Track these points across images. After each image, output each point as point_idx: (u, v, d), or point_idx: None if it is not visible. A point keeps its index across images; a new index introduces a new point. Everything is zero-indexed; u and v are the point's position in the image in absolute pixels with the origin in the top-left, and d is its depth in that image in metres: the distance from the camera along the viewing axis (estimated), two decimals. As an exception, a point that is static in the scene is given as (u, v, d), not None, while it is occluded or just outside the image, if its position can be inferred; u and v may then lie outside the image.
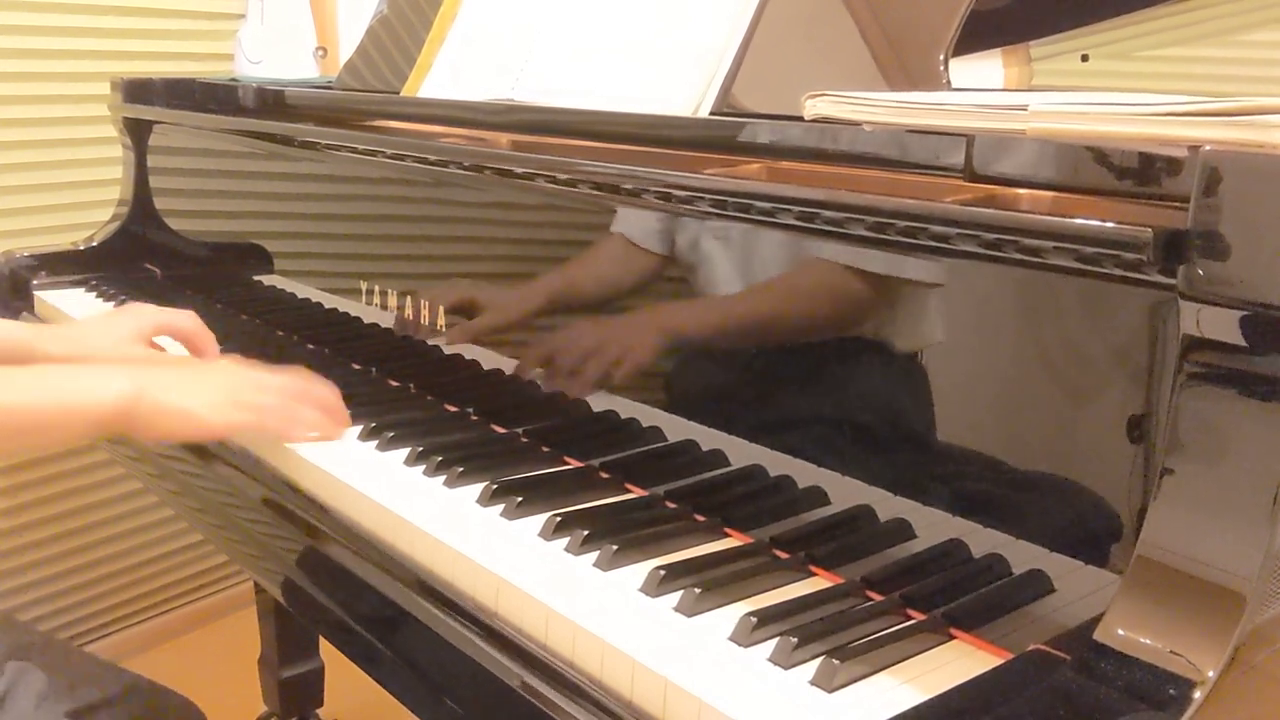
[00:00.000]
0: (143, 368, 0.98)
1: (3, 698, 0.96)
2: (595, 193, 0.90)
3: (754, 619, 0.67)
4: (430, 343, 1.10)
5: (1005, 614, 0.67)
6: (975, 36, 0.90)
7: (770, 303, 0.82)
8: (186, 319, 1.16)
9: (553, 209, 0.98)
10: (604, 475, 0.91)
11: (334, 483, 0.92)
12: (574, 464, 0.94)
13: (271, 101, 1.34)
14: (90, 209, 1.80)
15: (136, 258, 1.61)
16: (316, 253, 1.32)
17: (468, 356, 1.06)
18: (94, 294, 1.50)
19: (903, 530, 0.73)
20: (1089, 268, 0.61)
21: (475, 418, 1.05)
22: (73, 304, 1.46)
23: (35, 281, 1.53)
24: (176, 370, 0.99)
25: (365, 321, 1.19)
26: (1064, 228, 0.61)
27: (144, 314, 1.16)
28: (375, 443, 0.98)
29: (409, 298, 1.11)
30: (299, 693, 1.65)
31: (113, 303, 1.46)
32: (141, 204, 1.60)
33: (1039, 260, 0.63)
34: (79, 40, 1.82)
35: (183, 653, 2.06)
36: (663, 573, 0.73)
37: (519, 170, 0.96)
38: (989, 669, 0.62)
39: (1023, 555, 0.68)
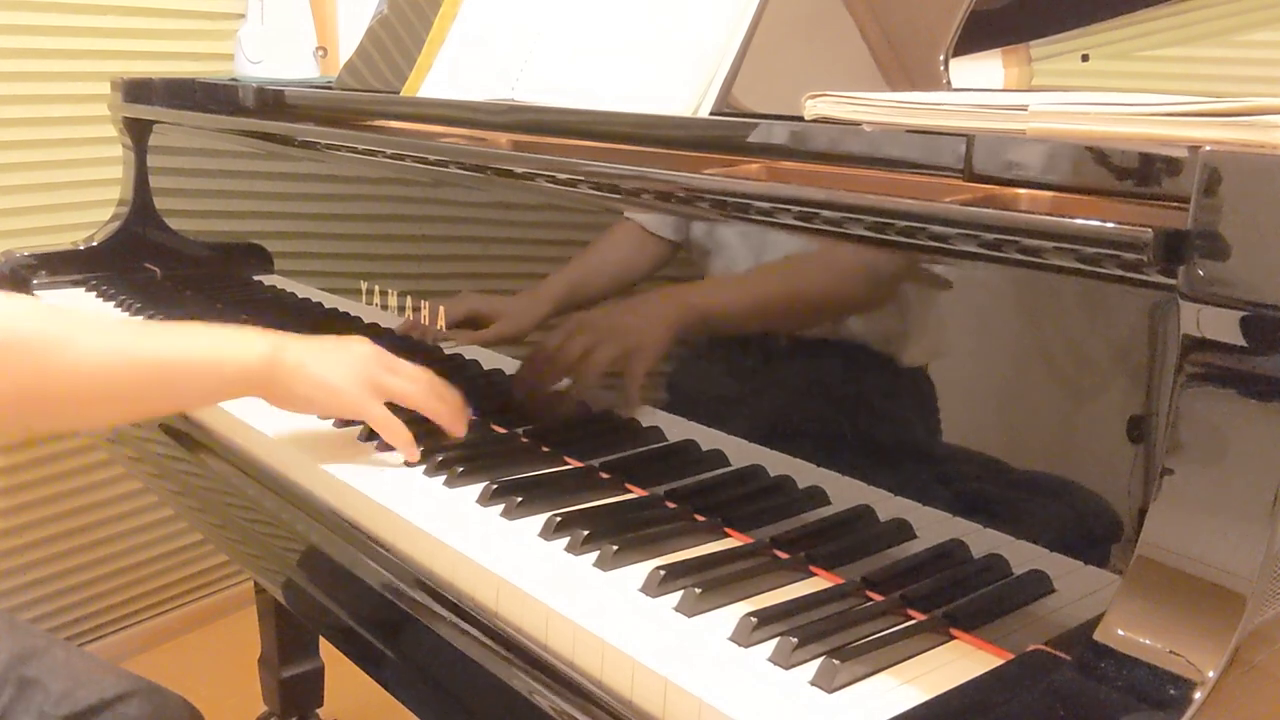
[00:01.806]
0: (280, 335, 0.96)
1: (4, 710, 0.96)
2: (595, 193, 0.90)
3: (754, 619, 0.67)
4: (430, 343, 1.10)
5: (1005, 614, 0.67)
6: (975, 36, 0.90)
7: (770, 303, 0.82)
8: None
9: (553, 209, 0.98)
10: (604, 475, 0.91)
11: (334, 483, 0.92)
12: (574, 464, 0.94)
13: (271, 101, 1.34)
14: (90, 209, 1.80)
15: (136, 258, 1.61)
16: (316, 253, 1.32)
17: (468, 356, 1.06)
18: (94, 294, 1.50)
19: (903, 530, 0.73)
20: (1089, 268, 0.61)
21: (475, 418, 1.05)
22: (73, 304, 1.46)
23: (35, 281, 1.53)
24: (314, 341, 0.96)
25: (365, 321, 1.19)
26: (1064, 228, 0.61)
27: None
28: (375, 442, 0.98)
29: (409, 298, 1.11)
30: (299, 693, 1.65)
31: (112, 303, 1.46)
32: (141, 204, 1.60)
33: (1039, 260, 0.63)
34: (79, 40, 1.82)
35: (183, 653, 2.06)
36: (663, 573, 0.73)
37: (519, 170, 0.96)
38: (989, 669, 0.62)
39: (1023, 555, 0.68)
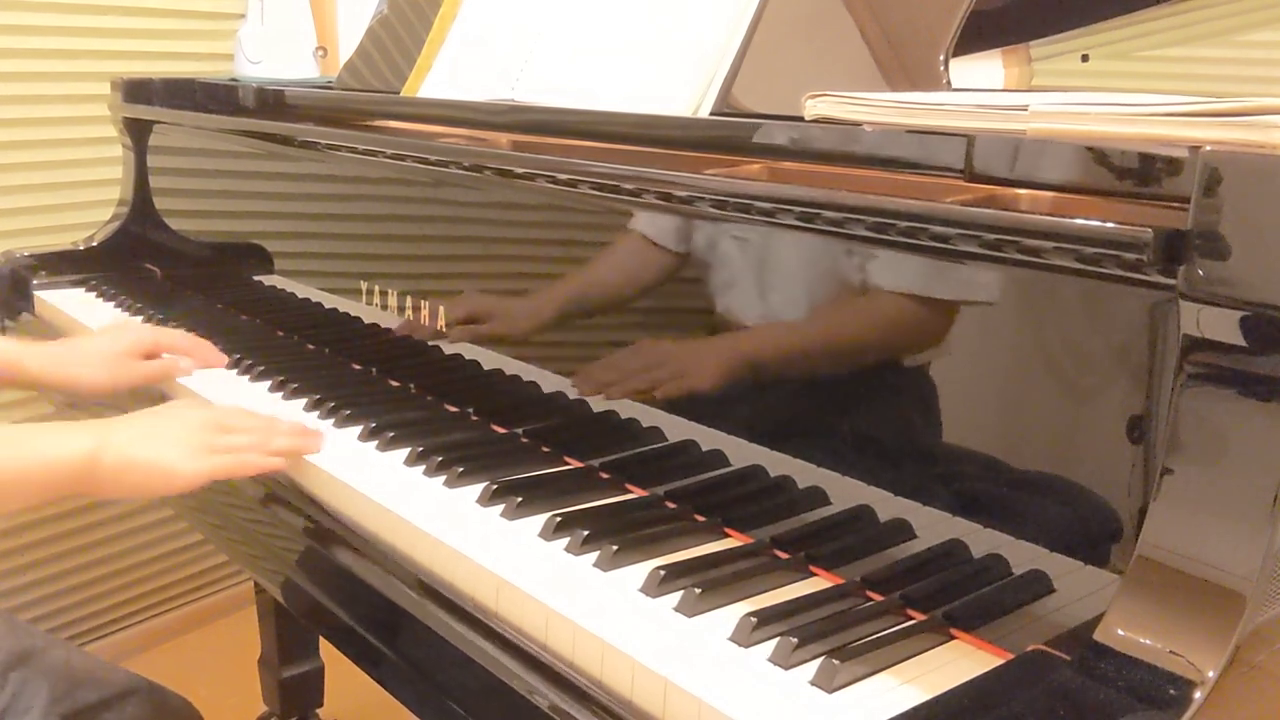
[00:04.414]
0: (105, 422, 0.91)
1: (5, 709, 0.96)
2: (595, 193, 0.90)
3: (754, 619, 0.67)
4: (430, 343, 1.10)
5: (1005, 614, 0.67)
6: (975, 36, 0.90)
7: (771, 304, 0.82)
8: (179, 337, 1.16)
9: (552, 209, 0.98)
10: (604, 475, 0.91)
11: (334, 483, 0.92)
12: (574, 464, 0.94)
13: (271, 101, 1.34)
14: (90, 209, 1.80)
15: (136, 258, 1.61)
16: (316, 253, 1.32)
17: (468, 356, 1.06)
18: (94, 294, 1.50)
19: (903, 530, 0.73)
20: (1089, 268, 0.61)
21: (475, 418, 1.05)
22: (73, 304, 1.46)
23: (35, 281, 1.53)
24: (139, 420, 0.93)
25: (365, 321, 1.19)
26: (1064, 228, 0.61)
27: (135, 331, 1.15)
28: (375, 443, 0.98)
29: (409, 298, 1.11)
30: (299, 693, 1.65)
31: (112, 303, 1.46)
32: (141, 204, 1.60)
33: (1039, 261, 0.63)
34: (79, 40, 1.82)
35: (183, 653, 2.06)
36: (663, 573, 0.73)
37: (519, 170, 0.96)
38: (989, 669, 0.62)
39: (1023, 555, 0.68)
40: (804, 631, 0.65)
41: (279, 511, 0.96)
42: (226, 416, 0.94)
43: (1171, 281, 0.57)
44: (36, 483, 0.85)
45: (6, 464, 0.84)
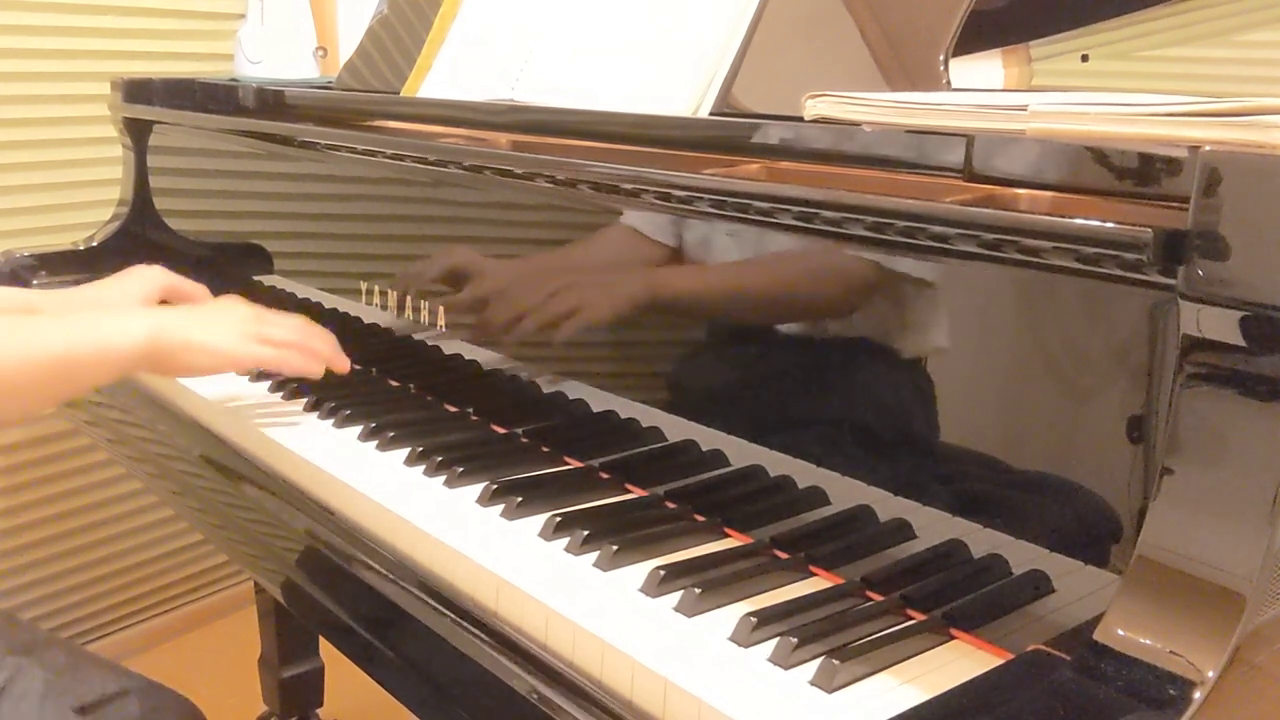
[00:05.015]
0: (159, 309, 1.06)
1: (1, 689, 0.96)
2: (595, 193, 0.90)
3: (754, 619, 0.67)
4: (430, 343, 1.10)
5: (1005, 614, 0.67)
6: (975, 36, 0.90)
7: (771, 302, 0.82)
8: (195, 287, 1.19)
9: (553, 209, 0.97)
10: (604, 475, 0.91)
11: (334, 483, 0.92)
12: (574, 464, 0.94)
13: (271, 101, 1.34)
14: (90, 209, 1.80)
15: (136, 258, 1.60)
16: (316, 253, 1.32)
17: (468, 356, 1.06)
18: (94, 294, 1.50)
19: (903, 530, 0.73)
20: (1089, 268, 0.61)
21: (475, 418, 1.05)
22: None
23: (35, 281, 1.53)
24: (192, 310, 1.08)
25: (365, 321, 1.19)
26: (1064, 228, 0.61)
27: (152, 275, 1.18)
28: (375, 443, 0.98)
29: (409, 298, 1.11)
30: (299, 693, 1.65)
31: (113, 303, 1.46)
32: (141, 204, 1.60)
33: (1039, 260, 0.63)
34: (79, 40, 1.82)
35: (183, 653, 2.06)
36: (663, 573, 0.73)
37: (519, 170, 0.96)
38: (989, 669, 0.62)
39: (1023, 555, 0.68)
40: (804, 631, 0.65)
41: (279, 511, 0.96)
42: (268, 312, 1.07)
43: (1171, 281, 0.57)
44: (107, 362, 0.95)
45: (84, 344, 0.94)
